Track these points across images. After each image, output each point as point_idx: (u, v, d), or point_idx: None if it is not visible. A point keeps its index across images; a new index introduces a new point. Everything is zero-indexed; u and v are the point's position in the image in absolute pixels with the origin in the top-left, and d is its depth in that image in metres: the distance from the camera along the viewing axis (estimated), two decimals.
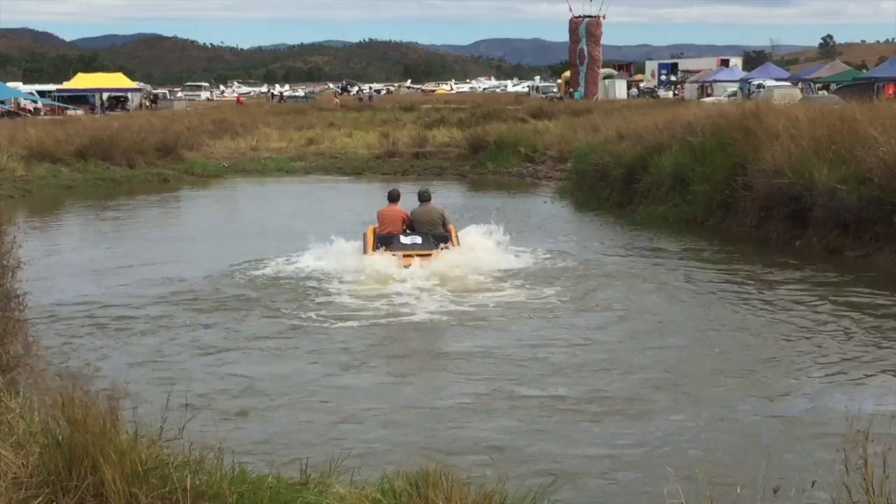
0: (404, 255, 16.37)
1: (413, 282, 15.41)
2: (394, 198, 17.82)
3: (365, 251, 16.79)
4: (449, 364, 11.34)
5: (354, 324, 13.22)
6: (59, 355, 11.35)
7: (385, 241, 16.82)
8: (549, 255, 18.27)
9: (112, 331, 12.93)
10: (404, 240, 16.88)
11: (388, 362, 11.47)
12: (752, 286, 15.35)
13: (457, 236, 17.42)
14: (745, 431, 8.79)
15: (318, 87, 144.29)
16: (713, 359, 11.32)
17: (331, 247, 17.48)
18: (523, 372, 10.82)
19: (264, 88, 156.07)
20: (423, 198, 17.75)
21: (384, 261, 16.20)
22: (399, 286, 15.23)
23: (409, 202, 18.25)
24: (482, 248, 17.62)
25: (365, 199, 20.79)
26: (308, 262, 17.18)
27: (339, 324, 13.21)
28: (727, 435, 8.72)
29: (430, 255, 16.45)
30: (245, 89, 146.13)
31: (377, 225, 17.43)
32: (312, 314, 13.72)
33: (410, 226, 17.29)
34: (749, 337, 12.30)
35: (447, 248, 16.75)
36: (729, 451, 8.25)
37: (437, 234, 17.06)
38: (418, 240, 16.90)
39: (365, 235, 17.30)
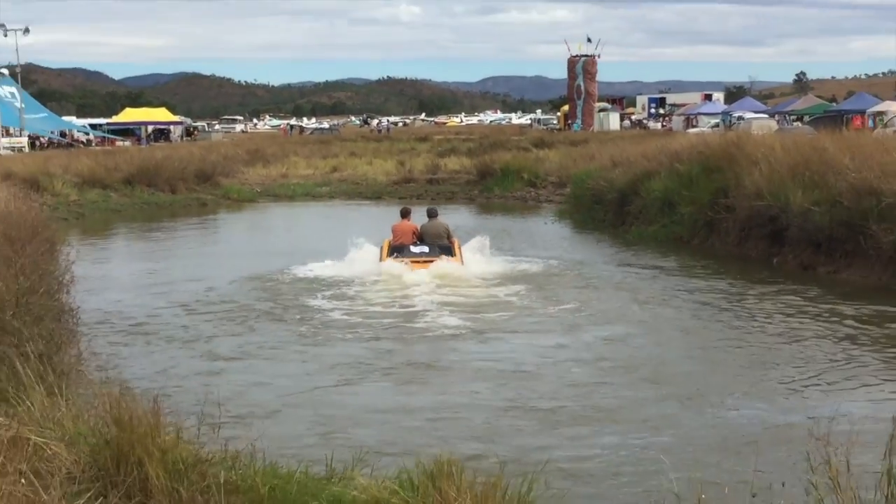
0: (412, 262, 17.52)
1: (424, 289, 16.05)
2: (405, 214, 19.19)
3: (381, 259, 18.03)
4: (458, 371, 11.32)
5: (369, 331, 13.37)
6: (107, 361, 11.35)
7: (398, 250, 18.07)
8: (549, 269, 18.48)
9: (154, 339, 12.97)
10: (414, 249, 18.10)
11: (401, 367, 11.46)
12: (735, 299, 15.31)
13: (459, 247, 18.59)
14: (733, 434, 8.69)
15: (341, 120, 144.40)
16: (706, 367, 11.29)
17: (355, 252, 18.46)
18: (529, 376, 10.82)
19: (293, 121, 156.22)
20: (431, 214, 19.09)
21: (396, 266, 17.35)
22: (411, 293, 15.86)
23: (416, 219, 19.00)
24: (481, 259, 18.75)
25: (385, 222, 21.00)
26: (331, 270, 18.01)
27: (357, 330, 13.41)
28: (717, 437, 8.63)
29: (431, 262, 17.56)
30: (276, 122, 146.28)
31: (391, 237, 18.59)
32: (332, 323, 13.88)
33: (420, 237, 18.50)
34: (735, 345, 12.26)
35: (450, 257, 17.82)
36: (719, 451, 8.16)
37: (442, 245, 18.25)
38: (426, 249, 18.08)
39: (381, 247, 18.48)
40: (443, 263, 17.54)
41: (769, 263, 18.36)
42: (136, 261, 21.96)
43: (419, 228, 18.67)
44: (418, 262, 17.58)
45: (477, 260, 18.65)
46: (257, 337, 13.10)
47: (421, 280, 16.73)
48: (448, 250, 18.11)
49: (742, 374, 10.82)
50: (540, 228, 26.97)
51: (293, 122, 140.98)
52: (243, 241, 25.43)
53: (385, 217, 23.07)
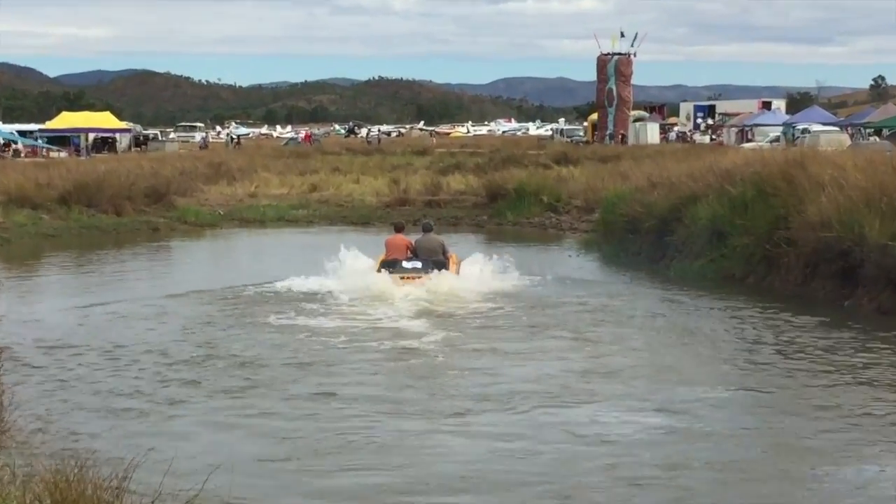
0: (404, 277, 19.91)
1: (415, 307, 18.24)
2: (399, 228, 22.15)
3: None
4: (446, 409, 11.42)
5: (354, 357, 14.70)
6: (36, 416, 11.35)
7: (390, 265, 20.45)
8: (566, 299, 19.54)
9: (87, 392, 13.01)
10: (406, 264, 20.45)
11: (389, 402, 11.83)
12: (804, 350, 15.29)
13: (457, 263, 21.21)
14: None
15: (322, 129, 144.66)
16: (775, 434, 11.27)
17: (343, 264, 20.91)
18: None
19: (265, 129, 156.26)
20: (426, 228, 21.91)
21: (383, 281, 19.72)
22: (401, 311, 18.02)
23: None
24: (479, 275, 20.96)
25: (376, 251, 21.66)
26: (316, 284, 20.35)
27: (341, 357, 14.68)
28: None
29: (423, 277, 19.91)
30: (244, 130, 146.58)
31: (384, 252, 21.08)
32: (311, 351, 15.10)
33: (414, 252, 20.93)
34: (812, 404, 12.28)
35: (441, 271, 20.24)
36: None
37: (437, 260, 20.64)
38: (419, 264, 20.43)
39: (375, 262, 20.89)
40: (436, 279, 19.88)
41: (840, 307, 18.34)
42: (71, 297, 21.87)
43: (413, 243, 21.14)
44: (410, 277, 20.00)
45: (475, 275, 20.86)
46: (213, 383, 13.33)
47: (412, 296, 18.99)
48: (442, 266, 20.56)
49: (830, 436, 10.86)
50: (562, 262, 26.98)
51: (265, 129, 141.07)
52: (202, 277, 25.30)
53: (375, 245, 23.22)
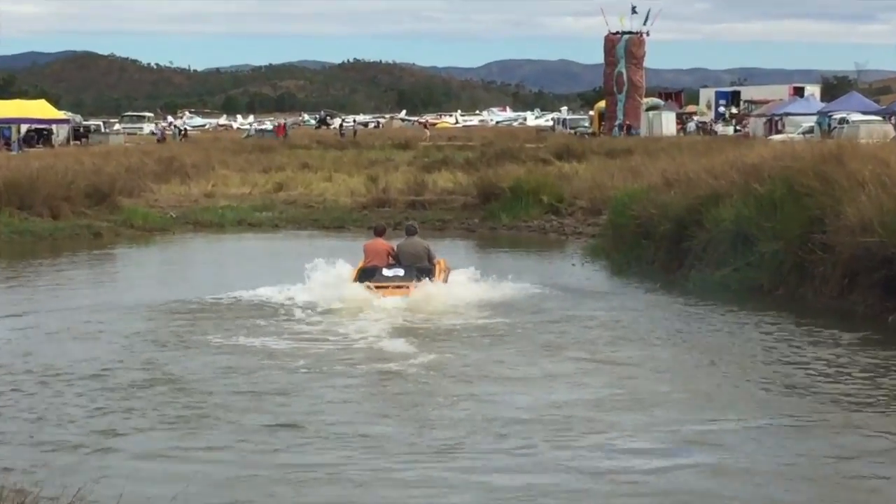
0: (384, 287, 20.18)
1: (395, 321, 18.45)
2: (379, 231, 22.42)
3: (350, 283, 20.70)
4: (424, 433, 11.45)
5: (326, 380, 14.78)
6: None
7: (368, 273, 20.77)
8: (567, 307, 19.99)
9: (13, 422, 12.93)
10: (387, 272, 20.80)
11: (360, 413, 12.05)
12: (842, 371, 15.24)
13: (445, 270, 21.57)
14: None
15: (289, 119, 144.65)
16: (822, 469, 11.20)
17: (316, 273, 21.34)
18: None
19: (223, 119, 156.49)
20: (410, 231, 22.26)
21: (359, 292, 20.00)
22: (379, 327, 18.06)
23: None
24: (470, 285, 21.64)
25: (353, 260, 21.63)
26: (294, 292, 20.75)
27: (303, 374, 14.96)
28: None
29: (406, 287, 20.16)
30: (199, 121, 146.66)
31: (363, 258, 21.43)
32: (276, 362, 15.57)
33: (396, 258, 21.31)
34: (854, 437, 12.18)
35: (427, 280, 20.38)
36: None
37: (421, 267, 20.89)
38: (401, 272, 20.77)
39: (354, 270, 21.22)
40: (421, 289, 20.01)
41: (883, 322, 18.35)
42: None
43: (395, 248, 21.55)
44: (391, 287, 20.25)
45: (466, 284, 21.46)
46: (156, 412, 13.28)
47: (393, 308, 19.26)
48: (428, 273, 20.75)
49: (887, 471, 10.86)
50: (565, 270, 27.00)
51: (223, 119, 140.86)
52: (149, 288, 25.17)
53: (350, 252, 23.19)
